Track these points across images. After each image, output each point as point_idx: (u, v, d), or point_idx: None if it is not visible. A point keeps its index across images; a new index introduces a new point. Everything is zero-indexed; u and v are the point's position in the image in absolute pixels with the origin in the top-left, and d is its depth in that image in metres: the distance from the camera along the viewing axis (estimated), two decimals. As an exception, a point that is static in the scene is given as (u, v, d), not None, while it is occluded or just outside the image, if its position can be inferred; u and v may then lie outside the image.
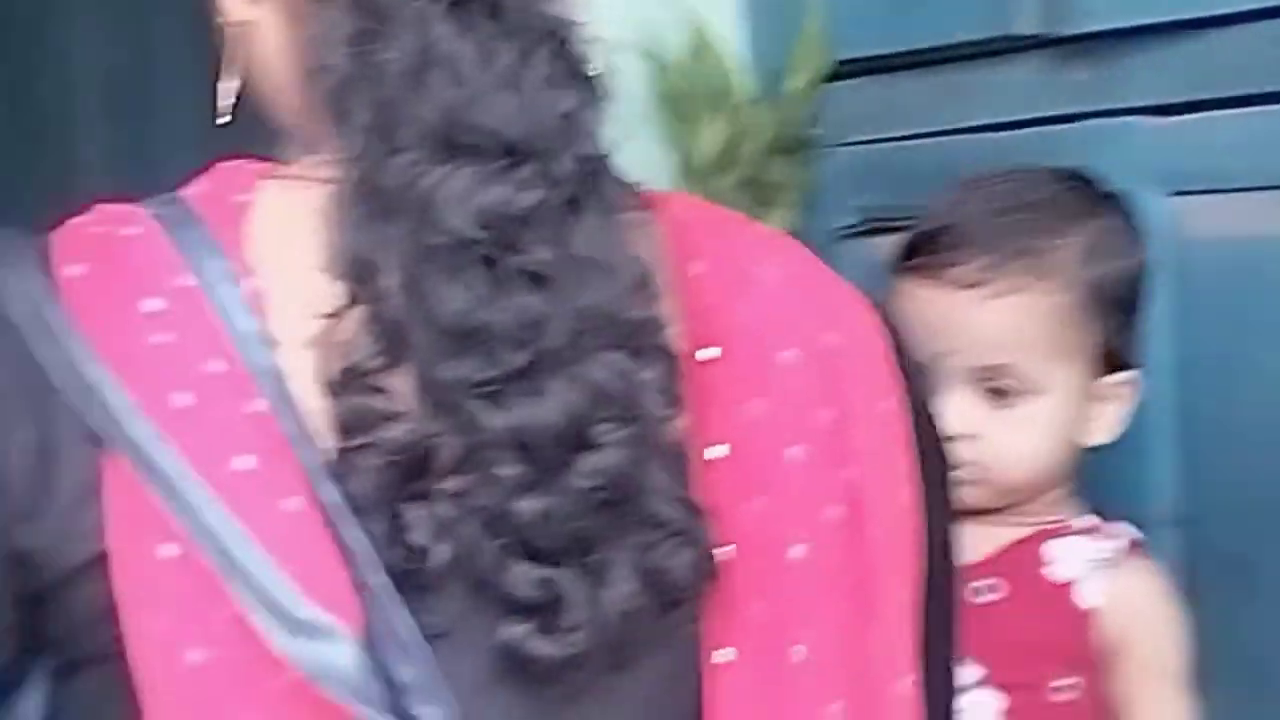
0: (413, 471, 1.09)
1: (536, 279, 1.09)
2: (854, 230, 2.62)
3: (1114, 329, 1.94)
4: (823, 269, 1.28)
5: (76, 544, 1.09)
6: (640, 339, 1.13)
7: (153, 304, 1.09)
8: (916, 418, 1.25)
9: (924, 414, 1.28)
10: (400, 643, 1.10)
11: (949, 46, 2.47)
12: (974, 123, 2.42)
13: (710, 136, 2.72)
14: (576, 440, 1.09)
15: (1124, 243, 1.97)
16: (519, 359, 1.08)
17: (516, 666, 1.12)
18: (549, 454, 1.09)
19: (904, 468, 1.22)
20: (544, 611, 1.10)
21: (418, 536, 1.09)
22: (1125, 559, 1.95)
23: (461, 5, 1.14)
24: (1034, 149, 2.27)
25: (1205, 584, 2.09)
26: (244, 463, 1.08)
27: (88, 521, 1.09)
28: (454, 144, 1.10)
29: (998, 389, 1.89)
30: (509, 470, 1.08)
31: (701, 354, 1.17)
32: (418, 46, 1.13)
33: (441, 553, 1.09)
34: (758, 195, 2.74)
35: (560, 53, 1.19)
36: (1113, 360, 1.95)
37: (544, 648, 1.10)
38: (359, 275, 1.09)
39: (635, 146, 2.78)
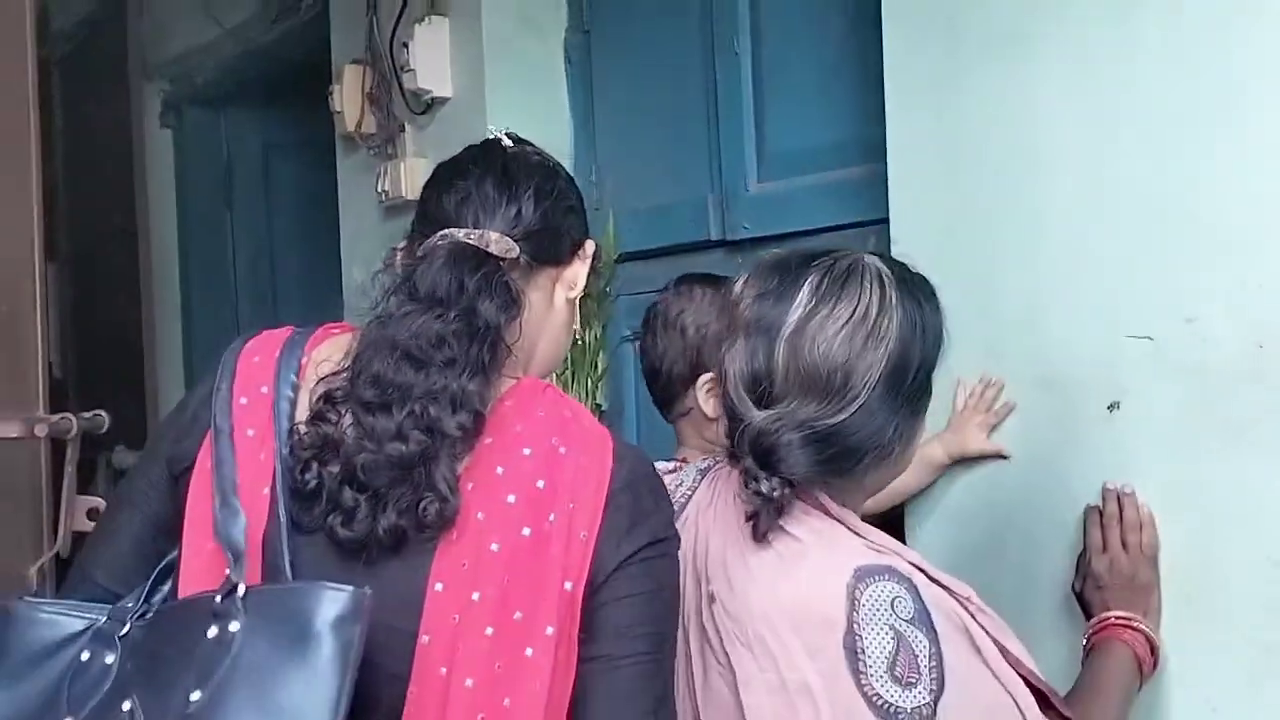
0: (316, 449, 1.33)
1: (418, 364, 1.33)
2: (628, 338, 2.99)
3: None
4: (569, 419, 1.38)
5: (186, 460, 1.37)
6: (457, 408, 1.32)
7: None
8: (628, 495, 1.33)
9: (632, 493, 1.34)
10: (279, 526, 1.32)
11: (673, 245, 2.96)
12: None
13: (557, 294, 3.15)
14: (398, 437, 1.30)
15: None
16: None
17: (335, 544, 1.31)
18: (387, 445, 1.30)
19: (589, 515, 1.31)
20: (347, 515, 1.30)
21: (308, 476, 1.32)
22: None
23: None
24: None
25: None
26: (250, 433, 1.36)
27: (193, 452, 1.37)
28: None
29: None
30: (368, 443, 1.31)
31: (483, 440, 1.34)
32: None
33: (311, 479, 1.32)
34: (582, 320, 2.94)
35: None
36: None
37: (342, 533, 1.30)
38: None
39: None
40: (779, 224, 2.72)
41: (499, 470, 1.33)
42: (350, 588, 1.22)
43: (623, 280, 3.12)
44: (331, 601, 1.21)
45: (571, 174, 1.62)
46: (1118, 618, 1.80)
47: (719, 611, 1.47)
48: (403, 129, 3.55)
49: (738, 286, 1.53)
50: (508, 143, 1.57)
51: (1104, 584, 1.82)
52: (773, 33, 2.77)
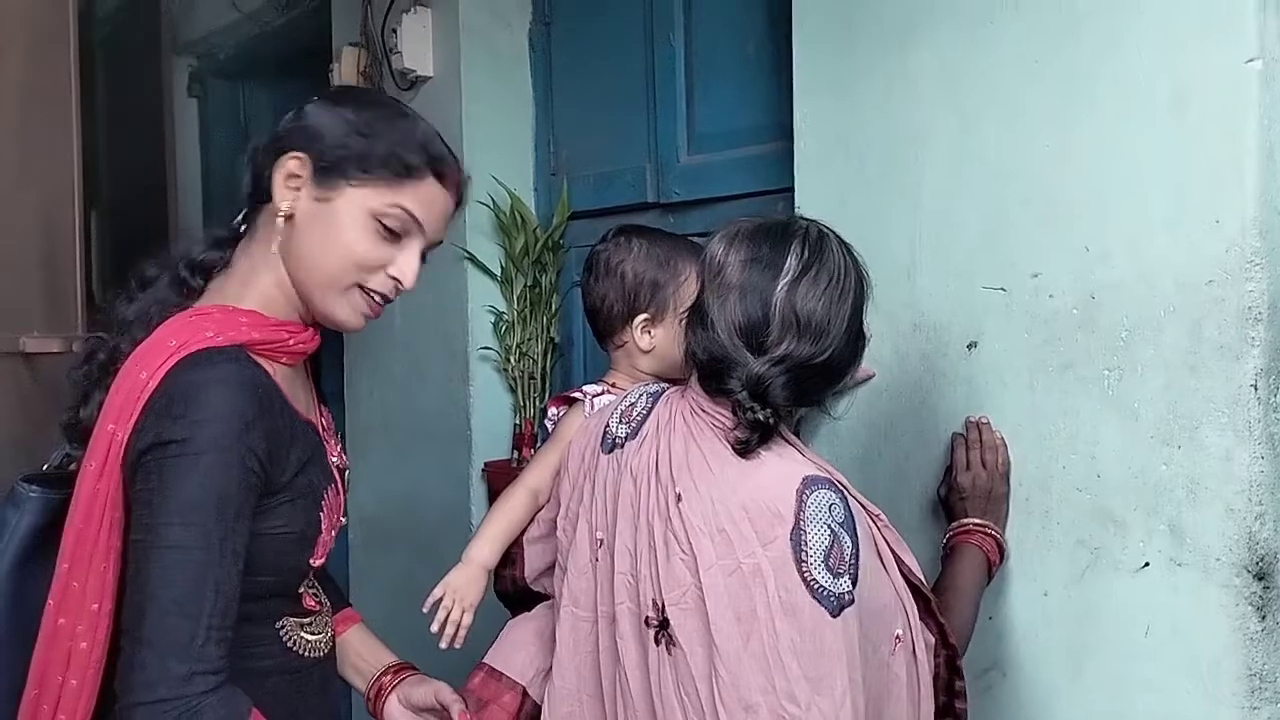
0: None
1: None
2: (578, 283, 2.72)
3: None
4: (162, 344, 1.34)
5: None
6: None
7: None
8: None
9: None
10: None
11: (616, 206, 2.91)
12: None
13: (520, 243, 3.05)
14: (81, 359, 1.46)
15: None
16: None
17: None
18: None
19: (123, 415, 1.31)
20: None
21: None
22: None
23: None
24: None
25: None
26: None
27: None
28: None
29: None
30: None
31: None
32: None
33: None
34: (539, 267, 3.05)
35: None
36: None
37: None
38: None
39: (486, 247, 3.19)
40: (704, 190, 2.70)
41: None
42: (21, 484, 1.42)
43: (574, 236, 3.09)
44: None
45: (374, 116, 1.47)
46: (975, 524, 1.82)
47: (685, 508, 1.46)
48: (391, 103, 3.50)
49: (718, 252, 1.48)
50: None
51: (966, 495, 1.84)
52: (702, 30, 2.74)
